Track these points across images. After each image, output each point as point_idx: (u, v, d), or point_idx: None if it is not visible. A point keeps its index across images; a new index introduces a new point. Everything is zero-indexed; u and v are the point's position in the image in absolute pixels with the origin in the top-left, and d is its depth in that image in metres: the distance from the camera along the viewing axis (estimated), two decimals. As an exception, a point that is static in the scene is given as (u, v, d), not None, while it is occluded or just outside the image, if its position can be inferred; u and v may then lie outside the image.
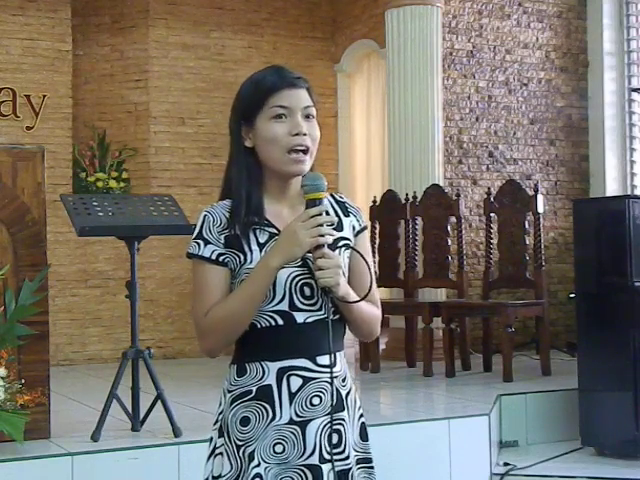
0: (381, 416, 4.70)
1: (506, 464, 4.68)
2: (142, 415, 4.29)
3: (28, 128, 7.31)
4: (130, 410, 4.28)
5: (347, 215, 2.08)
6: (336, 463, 1.96)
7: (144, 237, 4.41)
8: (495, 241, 6.38)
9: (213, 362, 2.43)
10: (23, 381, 3.71)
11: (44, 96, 7.35)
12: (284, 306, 1.96)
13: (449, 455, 4.47)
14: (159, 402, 4.23)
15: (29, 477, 3.74)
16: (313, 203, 1.94)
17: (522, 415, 5.12)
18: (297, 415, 1.96)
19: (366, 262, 2.04)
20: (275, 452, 1.95)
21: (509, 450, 4.96)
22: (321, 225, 1.91)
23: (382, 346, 6.76)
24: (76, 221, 4.27)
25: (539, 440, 5.11)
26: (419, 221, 6.62)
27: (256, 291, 1.93)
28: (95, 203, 4.47)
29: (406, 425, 4.52)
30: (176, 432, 4.11)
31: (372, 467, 2.07)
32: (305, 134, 1.99)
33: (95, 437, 4.05)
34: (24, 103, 7.31)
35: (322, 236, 1.91)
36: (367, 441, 2.07)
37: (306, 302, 1.97)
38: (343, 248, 2.03)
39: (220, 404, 2.04)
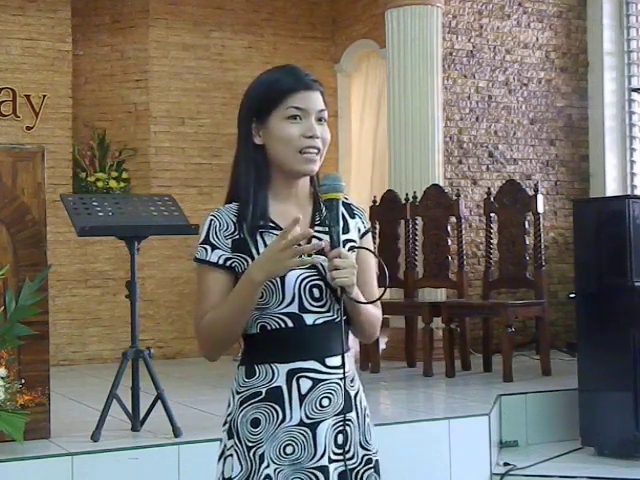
0: (381, 416, 4.70)
1: (506, 464, 4.68)
2: (142, 415, 4.29)
3: (28, 128, 7.31)
4: (130, 410, 4.28)
5: (353, 217, 2.08)
6: (341, 463, 1.97)
7: (144, 237, 4.41)
8: (495, 241, 6.38)
9: (212, 362, 2.43)
10: (23, 381, 3.72)
11: (44, 96, 7.35)
12: (294, 308, 1.96)
13: (449, 455, 4.48)
14: (159, 402, 4.23)
15: (29, 477, 3.74)
16: (330, 203, 1.95)
17: (522, 415, 5.12)
18: (307, 417, 1.96)
19: (379, 261, 2.04)
20: (285, 453, 1.95)
21: (509, 450, 4.96)
22: (299, 244, 1.87)
23: (382, 346, 6.76)
24: (76, 221, 4.27)
25: (539, 440, 5.11)
26: (419, 221, 6.61)
27: (242, 303, 1.92)
28: (95, 203, 4.46)
29: (406, 425, 4.52)
30: (176, 432, 4.11)
31: (373, 467, 2.04)
32: (318, 137, 1.99)
33: (95, 437, 4.05)
34: (24, 103, 7.31)
35: (309, 255, 1.90)
36: (371, 442, 2.05)
37: (315, 304, 1.97)
38: (350, 249, 2.02)
39: (229, 405, 2.03)
